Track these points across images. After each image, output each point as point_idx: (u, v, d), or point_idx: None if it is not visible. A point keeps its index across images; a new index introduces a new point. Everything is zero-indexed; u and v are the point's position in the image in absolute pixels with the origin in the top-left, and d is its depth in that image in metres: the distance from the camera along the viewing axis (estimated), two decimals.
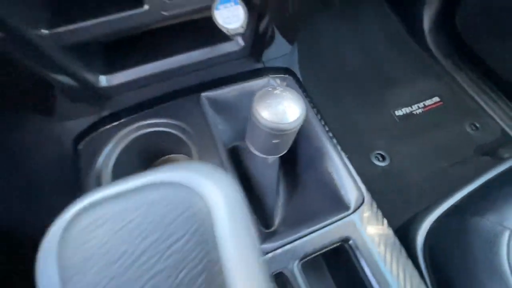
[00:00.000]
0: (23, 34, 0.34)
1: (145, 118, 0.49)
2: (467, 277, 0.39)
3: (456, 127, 1.07)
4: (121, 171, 0.47)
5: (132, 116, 0.49)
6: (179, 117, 0.48)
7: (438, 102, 1.13)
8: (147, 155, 0.51)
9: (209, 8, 0.40)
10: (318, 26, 1.20)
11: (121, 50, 0.49)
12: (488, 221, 0.39)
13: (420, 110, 1.12)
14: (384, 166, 0.99)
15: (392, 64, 1.21)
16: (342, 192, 0.41)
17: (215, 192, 0.14)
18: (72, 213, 0.13)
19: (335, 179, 0.42)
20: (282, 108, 0.29)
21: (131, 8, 0.37)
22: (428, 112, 1.11)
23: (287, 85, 0.55)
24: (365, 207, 0.40)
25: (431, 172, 0.95)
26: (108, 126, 0.49)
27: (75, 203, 0.13)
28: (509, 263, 0.34)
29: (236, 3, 0.40)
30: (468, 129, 1.06)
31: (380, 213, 0.41)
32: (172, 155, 0.56)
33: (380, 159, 0.99)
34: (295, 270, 0.35)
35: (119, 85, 0.50)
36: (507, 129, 1.02)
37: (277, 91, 0.31)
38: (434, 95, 1.14)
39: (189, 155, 0.49)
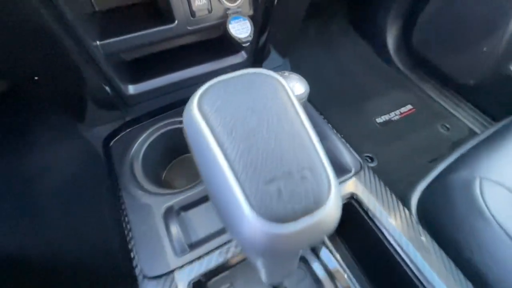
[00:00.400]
0: (86, 45, 0.43)
1: (167, 118, 0.57)
2: (452, 218, 0.46)
3: (430, 129, 1.21)
4: (148, 162, 0.53)
5: (155, 118, 0.57)
6: None
7: (411, 109, 1.28)
8: (169, 151, 0.58)
9: (222, 24, 0.51)
10: (298, 53, 1.38)
11: (145, 64, 0.59)
12: (462, 174, 0.48)
13: (397, 117, 1.26)
14: (374, 166, 1.09)
15: (367, 81, 1.38)
16: (343, 160, 0.49)
17: None
18: (203, 89, 0.20)
19: (336, 152, 0.51)
20: (290, 84, 0.38)
21: (166, 23, 0.48)
22: (404, 118, 1.25)
23: None
24: (363, 171, 0.48)
25: (414, 168, 1.05)
26: (135, 126, 0.56)
27: (201, 88, 0.20)
28: (482, 198, 0.43)
29: (244, 19, 0.51)
30: (441, 130, 1.19)
31: (377, 177, 0.49)
32: (187, 155, 0.63)
33: (369, 160, 1.09)
34: None
35: (144, 93, 0.58)
36: (473, 127, 1.17)
37: (285, 73, 0.41)
38: (407, 103, 1.30)
39: None
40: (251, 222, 0.14)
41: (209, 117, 0.17)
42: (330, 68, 1.41)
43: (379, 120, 1.25)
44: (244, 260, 0.38)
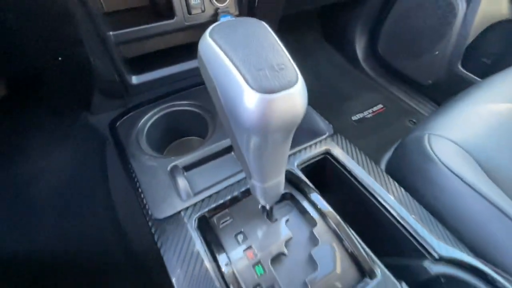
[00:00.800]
0: (101, 34, 0.51)
1: (166, 102, 0.65)
2: (409, 166, 0.56)
3: (399, 124, 1.35)
4: (151, 140, 0.60)
5: (156, 102, 0.65)
6: (196, 99, 0.65)
7: (382, 108, 1.43)
8: (169, 132, 0.65)
9: (213, 21, 0.62)
10: None
11: (146, 59, 0.67)
12: (416, 134, 0.59)
13: (370, 115, 1.40)
14: None
15: (341, 86, 1.53)
16: (317, 126, 0.59)
17: None
18: (212, 26, 0.28)
19: (311, 119, 0.61)
20: None
21: (167, 19, 0.57)
22: (376, 116, 1.39)
23: None
24: (337, 136, 0.58)
25: None
26: (138, 110, 0.63)
27: (211, 26, 0.28)
28: (430, 147, 0.53)
29: (231, 17, 0.62)
30: (409, 124, 1.33)
31: (349, 142, 0.58)
32: (186, 138, 0.70)
33: None
34: (296, 170, 0.50)
35: (145, 83, 0.66)
36: None
37: None
38: (378, 103, 1.44)
39: (203, 136, 0.63)
40: (250, 95, 0.23)
41: (217, 41, 0.26)
42: (308, 75, 1.54)
43: (354, 118, 1.38)
44: (242, 199, 0.45)
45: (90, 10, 0.49)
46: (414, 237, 0.42)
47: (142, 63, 0.68)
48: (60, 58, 0.52)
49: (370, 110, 1.41)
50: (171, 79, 0.70)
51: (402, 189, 0.49)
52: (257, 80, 0.23)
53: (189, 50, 0.72)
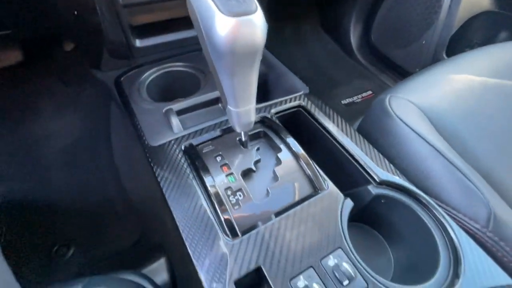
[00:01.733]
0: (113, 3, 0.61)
1: (166, 63, 0.74)
2: (371, 123, 0.65)
3: None
4: (151, 92, 0.69)
5: (157, 62, 0.74)
6: (192, 62, 0.74)
7: (371, 94, 1.50)
8: (167, 91, 0.74)
9: None
10: (274, 50, 1.61)
11: (149, 27, 0.76)
12: (381, 97, 0.67)
13: (359, 100, 1.48)
14: None
15: (334, 72, 1.61)
16: (293, 84, 0.68)
17: None
18: None
19: (287, 78, 0.70)
20: None
21: None
22: (365, 101, 1.47)
23: None
24: (312, 95, 0.66)
25: None
26: (141, 68, 0.72)
27: None
28: (390, 106, 0.62)
29: None
30: None
31: (323, 102, 0.67)
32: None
33: None
34: (273, 117, 0.59)
35: (148, 47, 0.75)
36: None
37: None
38: (367, 89, 1.52)
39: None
40: (219, 16, 0.31)
41: None
42: (303, 62, 1.63)
43: (344, 102, 1.46)
44: (223, 135, 0.54)
45: None
46: (363, 168, 0.51)
47: (146, 30, 0.77)
48: (75, 12, 0.61)
49: (359, 96, 1.49)
50: (170, 45, 0.79)
51: (365, 141, 0.57)
52: (225, 6, 0.32)
53: (187, 22, 0.81)
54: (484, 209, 0.45)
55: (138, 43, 0.75)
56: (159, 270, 0.74)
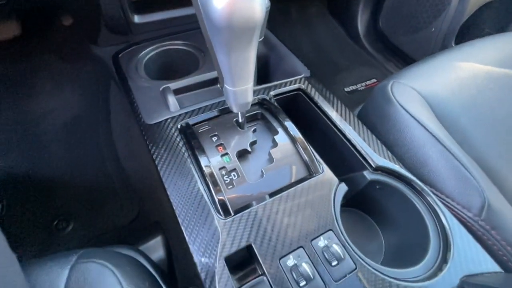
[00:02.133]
0: None
1: (164, 41, 0.72)
2: (372, 109, 0.64)
3: None
4: (149, 70, 0.68)
5: (155, 40, 0.72)
6: (191, 40, 0.72)
7: (376, 82, 1.47)
8: (165, 70, 0.73)
9: None
10: (279, 32, 1.57)
11: (147, 3, 0.74)
12: (383, 83, 0.66)
13: (363, 88, 1.45)
14: None
15: (339, 58, 1.57)
16: (294, 67, 0.66)
17: None
18: None
19: (288, 59, 0.68)
20: None
21: None
22: (369, 89, 1.44)
23: None
24: (313, 78, 0.65)
25: None
26: (139, 45, 0.71)
27: None
28: (391, 92, 0.60)
29: None
30: None
31: (324, 85, 0.65)
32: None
33: None
34: (272, 100, 0.58)
35: (146, 23, 0.73)
36: None
37: None
38: (372, 77, 1.49)
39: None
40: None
41: None
42: (307, 45, 1.59)
43: (347, 89, 1.44)
44: (220, 116, 0.54)
45: None
46: (360, 153, 0.50)
47: (145, 6, 0.74)
48: None
49: (363, 83, 1.46)
50: (170, 22, 0.77)
51: (360, 122, 0.56)
52: None
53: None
54: (479, 198, 0.45)
55: (136, 19, 0.73)
56: (155, 247, 0.75)
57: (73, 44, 0.99)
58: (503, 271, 0.39)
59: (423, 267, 0.39)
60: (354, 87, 1.44)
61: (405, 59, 1.46)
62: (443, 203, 0.46)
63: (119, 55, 0.69)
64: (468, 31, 1.25)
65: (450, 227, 0.42)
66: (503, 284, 0.36)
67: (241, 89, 0.42)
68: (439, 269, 0.39)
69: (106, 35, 0.74)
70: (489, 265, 0.39)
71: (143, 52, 0.69)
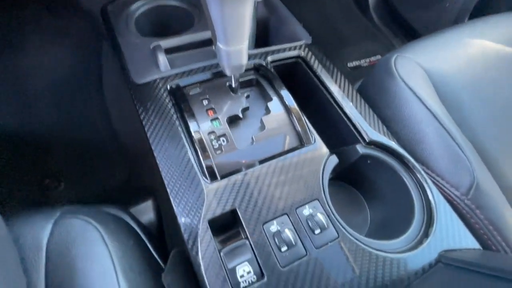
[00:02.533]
0: None
1: None
2: (373, 83, 0.61)
3: None
4: (141, 26, 0.63)
5: None
6: None
7: (380, 58, 1.42)
8: (156, 27, 0.68)
9: None
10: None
11: None
12: (386, 56, 0.62)
13: (366, 64, 1.40)
14: None
15: (344, 30, 1.49)
16: (296, 34, 0.62)
17: None
18: None
19: (290, 23, 0.64)
20: None
21: None
22: (372, 66, 1.39)
23: None
24: (314, 46, 0.62)
25: None
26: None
27: None
28: (395, 66, 0.57)
29: None
30: None
31: (324, 54, 0.62)
32: None
33: None
34: (269, 66, 0.55)
35: None
36: None
37: None
38: (377, 53, 1.43)
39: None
40: None
41: None
42: (313, 15, 1.50)
43: (350, 64, 1.38)
44: (213, 79, 0.51)
45: None
46: (355, 127, 0.49)
47: None
48: None
49: (367, 60, 1.41)
50: None
51: (359, 96, 0.54)
52: None
53: None
54: (468, 178, 0.45)
55: None
56: (146, 210, 0.76)
57: None
58: (481, 248, 0.40)
59: (405, 240, 0.40)
60: (357, 63, 1.39)
61: (413, 35, 1.39)
62: (433, 181, 0.46)
63: (108, 8, 0.64)
64: (484, 9, 1.18)
65: (436, 204, 0.42)
66: (478, 259, 0.37)
67: (235, 48, 0.39)
68: (420, 242, 0.39)
69: None
70: (469, 242, 0.40)
71: (134, 6, 0.64)
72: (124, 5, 0.64)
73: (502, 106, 0.59)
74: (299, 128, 0.46)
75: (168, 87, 0.49)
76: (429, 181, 0.44)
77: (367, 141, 0.47)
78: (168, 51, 0.56)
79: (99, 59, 1.00)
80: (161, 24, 0.69)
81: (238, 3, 0.34)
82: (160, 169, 0.41)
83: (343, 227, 0.39)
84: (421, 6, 1.31)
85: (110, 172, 0.92)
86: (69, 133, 0.95)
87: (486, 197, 0.45)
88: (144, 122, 0.46)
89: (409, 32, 1.40)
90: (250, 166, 0.42)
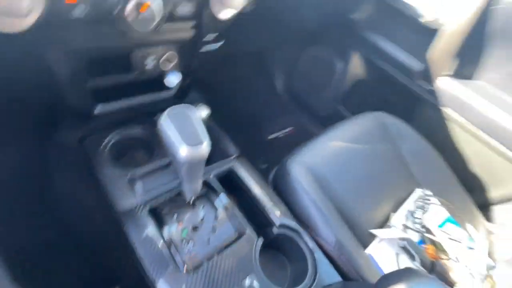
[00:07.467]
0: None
1: (121, 127, 0.90)
2: (279, 177, 0.97)
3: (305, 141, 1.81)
4: (115, 155, 0.85)
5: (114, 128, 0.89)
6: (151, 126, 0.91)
7: (291, 129, 1.88)
8: (127, 147, 0.90)
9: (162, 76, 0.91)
10: (214, 79, 1.86)
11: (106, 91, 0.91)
12: (285, 159, 0.99)
13: (282, 135, 1.83)
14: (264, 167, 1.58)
15: (265, 109, 1.93)
16: (225, 148, 0.95)
17: None
18: (167, 110, 0.58)
19: (220, 138, 0.98)
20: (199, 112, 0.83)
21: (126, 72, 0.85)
22: (287, 136, 1.83)
23: None
24: (241, 157, 0.94)
25: None
26: (101, 133, 0.87)
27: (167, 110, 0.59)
28: (288, 166, 0.94)
29: (177, 73, 0.91)
30: None
31: (248, 163, 0.95)
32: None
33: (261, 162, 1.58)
34: (212, 179, 0.84)
35: (104, 112, 0.90)
36: None
37: (199, 105, 0.84)
38: (290, 126, 1.89)
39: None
40: (183, 146, 0.55)
41: (171, 117, 0.58)
42: (238, 99, 1.92)
43: (270, 137, 1.81)
44: (178, 196, 0.76)
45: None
46: (269, 217, 0.80)
47: (103, 93, 0.91)
48: None
49: (283, 131, 1.86)
50: (128, 111, 0.95)
51: (272, 188, 0.87)
52: (186, 140, 0.56)
53: (142, 85, 0.98)
54: (333, 236, 0.80)
55: (98, 108, 0.90)
56: None
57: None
58: (342, 280, 0.72)
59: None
60: (275, 135, 1.83)
61: (313, 112, 1.92)
62: (317, 242, 0.79)
63: (86, 140, 0.84)
64: (351, 96, 1.75)
65: (317, 257, 0.75)
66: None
67: (194, 186, 0.67)
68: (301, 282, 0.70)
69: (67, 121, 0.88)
70: (335, 277, 0.72)
71: (105, 141, 0.86)
72: (98, 141, 0.85)
73: (357, 180, 1.00)
74: (236, 224, 0.75)
75: (147, 211, 0.72)
76: (314, 243, 0.77)
77: (278, 224, 0.78)
78: (140, 177, 0.80)
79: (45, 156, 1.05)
80: (129, 150, 0.91)
81: (196, 170, 0.63)
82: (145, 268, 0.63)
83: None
84: (312, 95, 1.87)
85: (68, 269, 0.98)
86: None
87: (346, 246, 0.80)
88: (130, 237, 0.68)
89: (310, 109, 1.92)
90: (209, 258, 0.67)
